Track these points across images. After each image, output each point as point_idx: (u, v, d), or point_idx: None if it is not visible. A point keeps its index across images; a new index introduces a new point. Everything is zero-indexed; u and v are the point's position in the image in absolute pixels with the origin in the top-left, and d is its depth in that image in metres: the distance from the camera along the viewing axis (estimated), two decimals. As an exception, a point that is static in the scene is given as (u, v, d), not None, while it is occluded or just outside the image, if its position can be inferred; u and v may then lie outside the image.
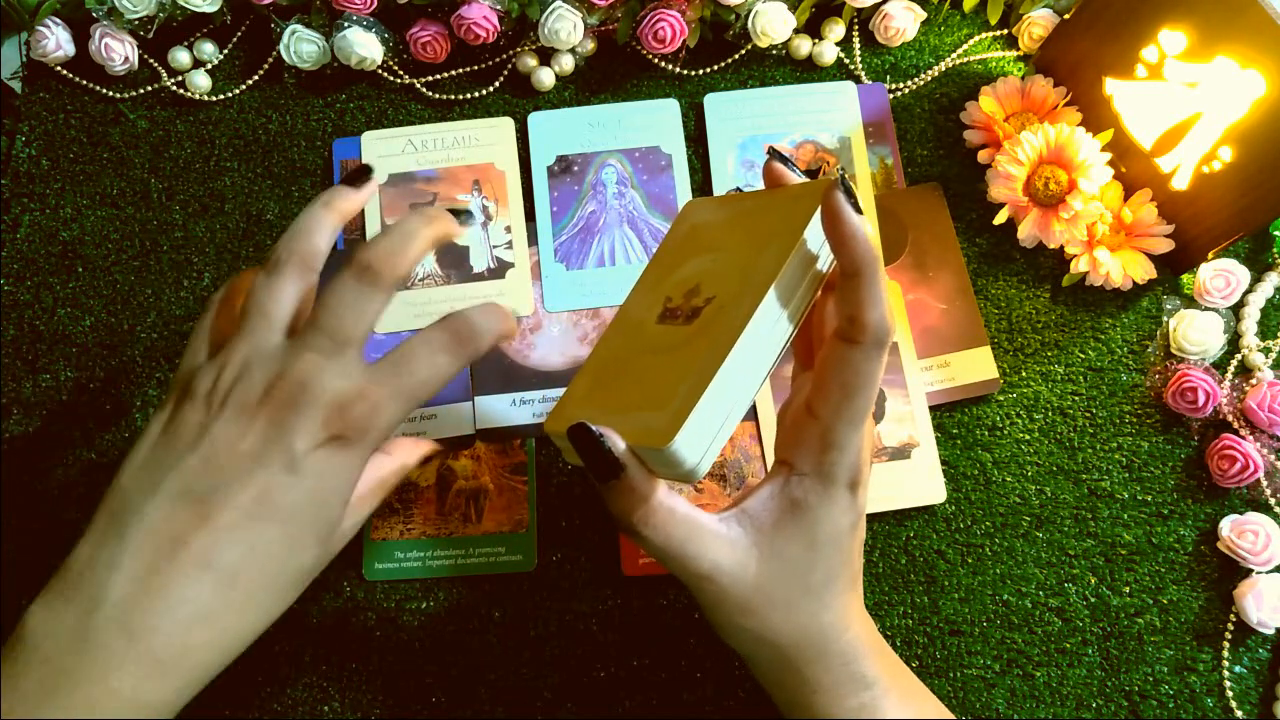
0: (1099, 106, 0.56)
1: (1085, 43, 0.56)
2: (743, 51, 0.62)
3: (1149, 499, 0.54)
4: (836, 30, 0.61)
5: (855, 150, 0.59)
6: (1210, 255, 0.55)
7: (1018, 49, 0.62)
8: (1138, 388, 0.56)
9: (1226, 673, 0.51)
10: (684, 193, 0.59)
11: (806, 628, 0.39)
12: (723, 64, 0.62)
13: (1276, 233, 0.57)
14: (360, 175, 0.43)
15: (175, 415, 0.38)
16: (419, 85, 0.61)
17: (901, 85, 0.61)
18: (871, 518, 0.53)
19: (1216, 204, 0.52)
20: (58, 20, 0.60)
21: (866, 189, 0.59)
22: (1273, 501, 0.53)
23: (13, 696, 0.33)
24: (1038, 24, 0.60)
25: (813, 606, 0.39)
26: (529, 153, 0.60)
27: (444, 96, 0.61)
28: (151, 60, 0.61)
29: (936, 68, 0.61)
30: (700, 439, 0.37)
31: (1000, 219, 0.57)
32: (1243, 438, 0.53)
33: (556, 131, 0.60)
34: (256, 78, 0.61)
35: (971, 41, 0.62)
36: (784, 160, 0.43)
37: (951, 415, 0.55)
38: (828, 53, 0.61)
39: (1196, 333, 0.55)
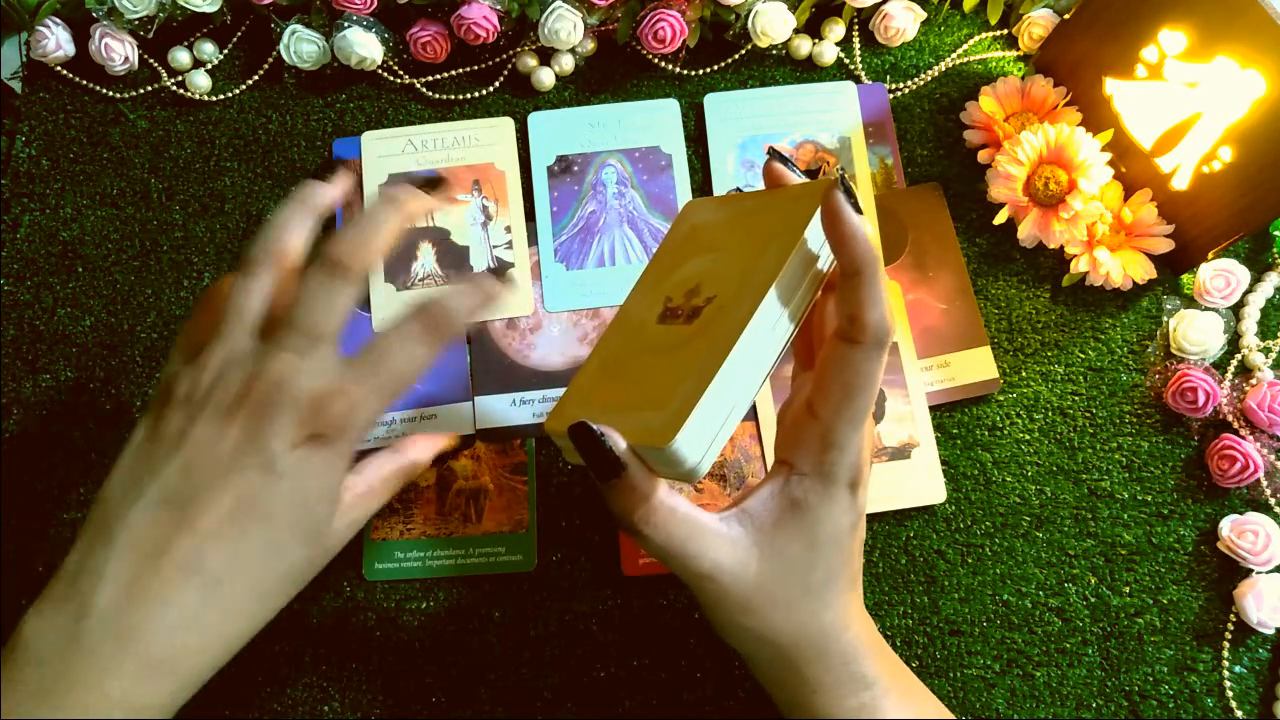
0: (1099, 106, 0.56)
1: (1085, 43, 0.56)
2: (743, 51, 0.62)
3: (1149, 499, 0.54)
4: (836, 30, 0.61)
5: (855, 150, 0.59)
6: (1210, 255, 0.55)
7: (1018, 49, 0.62)
8: (1138, 388, 0.56)
9: (1226, 673, 0.51)
10: (684, 193, 0.59)
11: (807, 627, 0.39)
12: (723, 64, 0.62)
13: (1276, 233, 0.57)
14: (328, 169, 0.43)
15: (157, 421, 0.38)
16: (419, 85, 0.61)
17: (901, 85, 0.61)
18: (871, 518, 0.53)
19: (1216, 204, 0.52)
20: (58, 20, 0.60)
21: (866, 189, 0.59)
22: (1273, 501, 0.53)
23: (10, 699, 0.34)
24: (1038, 24, 0.60)
25: (813, 606, 0.39)
26: (529, 153, 0.60)
27: (444, 96, 0.61)
28: (151, 60, 0.61)
29: (936, 68, 0.61)
30: (701, 438, 0.37)
31: (1000, 219, 0.57)
32: (1243, 438, 0.53)
33: (556, 131, 0.60)
34: (256, 78, 0.61)
35: (971, 41, 0.62)
36: (784, 160, 0.43)
37: (951, 415, 0.55)
38: (828, 53, 0.61)
39: (1196, 333, 0.55)
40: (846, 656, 0.40)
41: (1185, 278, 0.57)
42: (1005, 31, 0.63)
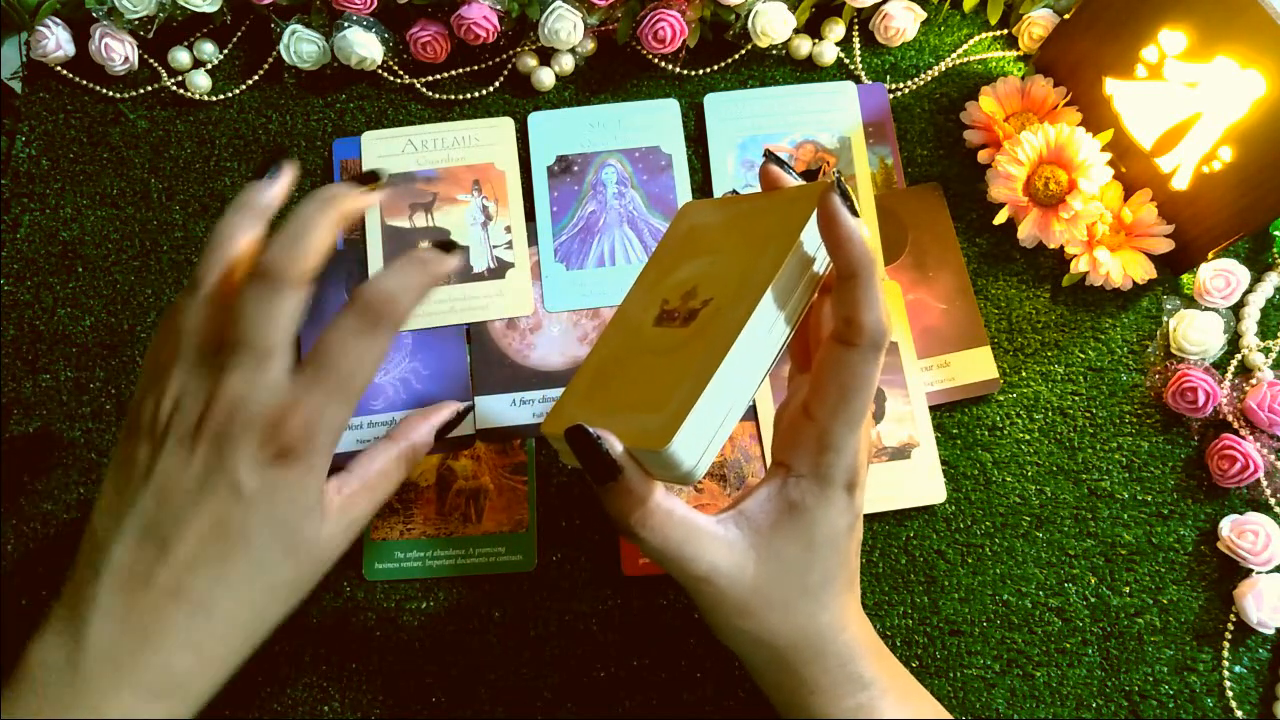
0: (1099, 106, 0.56)
1: (1085, 43, 0.56)
2: (743, 51, 0.62)
3: (1149, 499, 0.54)
4: (836, 30, 0.61)
5: (855, 150, 0.59)
6: (1210, 255, 0.55)
7: (1018, 49, 0.62)
8: (1138, 388, 0.56)
9: (1226, 673, 0.51)
10: (684, 193, 0.59)
11: (804, 629, 0.39)
12: (723, 64, 0.62)
13: (1276, 233, 0.57)
14: (268, 164, 0.42)
15: (127, 452, 0.38)
16: (419, 85, 0.61)
17: (901, 85, 0.61)
18: (871, 518, 0.53)
19: (1216, 204, 0.52)
20: (58, 20, 0.60)
21: (866, 189, 0.59)
22: (1273, 501, 0.53)
23: None
24: (1038, 24, 0.60)
25: (810, 607, 0.39)
26: (529, 153, 0.60)
27: (444, 96, 0.61)
28: (151, 60, 0.61)
29: (936, 68, 0.61)
30: (697, 441, 0.37)
31: (1000, 219, 0.57)
32: (1243, 438, 0.53)
33: (556, 131, 0.60)
34: (256, 78, 0.61)
35: (971, 41, 0.62)
36: (780, 163, 0.43)
37: (951, 415, 0.55)
38: (828, 53, 0.61)
39: (1196, 333, 0.55)
40: (843, 657, 0.40)
41: (1185, 278, 0.57)
42: (1005, 31, 0.63)
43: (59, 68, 0.61)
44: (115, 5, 0.58)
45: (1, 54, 0.62)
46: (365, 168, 0.59)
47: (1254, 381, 0.54)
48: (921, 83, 0.61)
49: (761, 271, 0.39)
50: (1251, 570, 0.52)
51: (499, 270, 0.57)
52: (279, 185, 0.42)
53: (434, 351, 0.56)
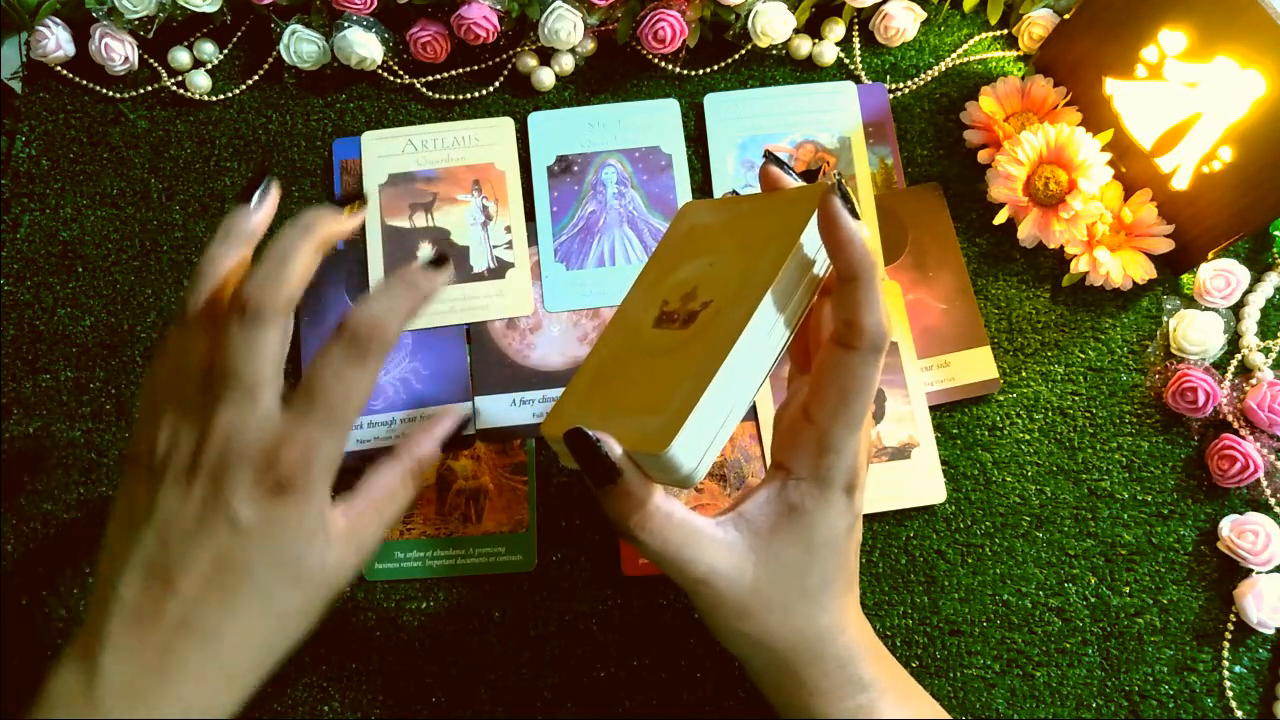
0: (1099, 106, 0.56)
1: (1085, 43, 0.56)
2: (743, 51, 0.62)
3: (1149, 499, 0.54)
4: (836, 30, 0.61)
5: (855, 150, 0.59)
6: (1210, 255, 0.55)
7: (1018, 49, 0.62)
8: (1138, 388, 0.56)
9: (1226, 673, 0.51)
10: (684, 193, 0.59)
11: (803, 631, 0.39)
12: (723, 64, 0.62)
13: (1276, 233, 0.57)
14: (252, 188, 0.41)
15: (128, 489, 0.38)
16: (419, 85, 0.61)
17: (901, 85, 0.61)
18: (871, 518, 0.53)
19: (1216, 204, 0.52)
20: (58, 20, 0.60)
21: (866, 189, 0.59)
22: (1273, 501, 0.53)
23: None
24: (1038, 24, 0.60)
25: (809, 610, 0.39)
26: (529, 153, 0.60)
27: (444, 96, 0.61)
28: (151, 60, 0.61)
29: (936, 68, 0.61)
30: (697, 444, 0.37)
31: (1000, 219, 0.57)
32: (1243, 438, 0.53)
33: (556, 131, 0.60)
34: (256, 78, 0.61)
35: (971, 41, 0.62)
36: (780, 163, 0.43)
37: (951, 415, 0.55)
38: (828, 53, 0.61)
39: (1196, 333, 0.55)
40: (843, 659, 0.40)
41: (1185, 278, 0.57)
42: (1005, 31, 0.63)
43: (59, 68, 0.61)
44: (115, 5, 0.58)
45: (1, 54, 0.62)
46: (365, 168, 0.59)
47: (1254, 381, 0.54)
48: (921, 83, 0.61)
49: (761, 273, 0.39)
50: (1251, 570, 0.52)
51: (499, 270, 0.57)
52: (263, 210, 0.41)
53: (434, 351, 0.56)
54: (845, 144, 0.60)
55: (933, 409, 0.55)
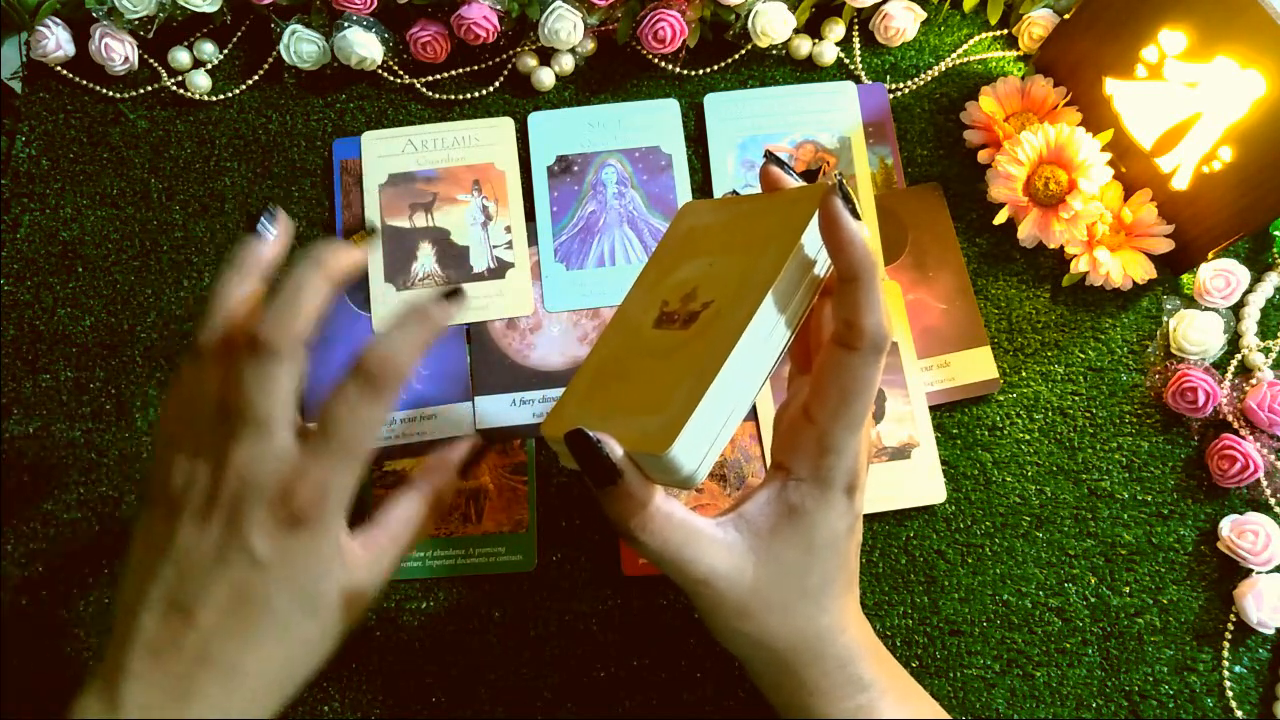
0: (1099, 106, 0.56)
1: (1085, 43, 0.56)
2: (743, 51, 0.62)
3: (1149, 499, 0.54)
4: (836, 30, 0.61)
5: (855, 150, 0.59)
6: (1210, 255, 0.55)
7: (1018, 49, 0.62)
8: (1138, 388, 0.56)
9: (1226, 673, 0.51)
10: (684, 193, 0.59)
11: (803, 631, 0.39)
12: (723, 64, 0.62)
13: (1276, 233, 0.57)
14: (259, 219, 0.42)
15: (147, 523, 0.38)
16: (419, 85, 0.61)
17: (901, 85, 0.61)
18: (871, 518, 0.53)
19: (1216, 204, 0.52)
20: (58, 20, 0.60)
21: (866, 189, 0.59)
22: (1273, 501, 0.53)
23: None
24: (1038, 24, 0.60)
25: (810, 610, 0.39)
26: (529, 153, 0.60)
27: (444, 96, 0.61)
28: (151, 60, 0.61)
29: (936, 68, 0.61)
30: (697, 445, 0.37)
31: (1000, 219, 0.57)
32: (1243, 438, 0.53)
33: (556, 131, 0.60)
34: (256, 78, 0.61)
35: (971, 41, 0.62)
36: (780, 163, 0.43)
37: (951, 415, 0.55)
38: (828, 53, 0.61)
39: (1196, 333, 0.55)
40: (843, 659, 0.40)
41: (1185, 278, 0.57)
42: (1005, 31, 0.63)
43: (59, 68, 0.61)
44: (115, 5, 0.58)
45: (1, 54, 0.62)
46: (365, 168, 0.59)
47: (1254, 381, 0.54)
48: (921, 83, 0.61)
49: (762, 274, 0.39)
50: (1251, 570, 0.52)
51: (499, 270, 0.57)
52: (275, 241, 0.42)
53: (434, 352, 0.56)
54: (845, 144, 0.60)
55: (933, 409, 0.55)
